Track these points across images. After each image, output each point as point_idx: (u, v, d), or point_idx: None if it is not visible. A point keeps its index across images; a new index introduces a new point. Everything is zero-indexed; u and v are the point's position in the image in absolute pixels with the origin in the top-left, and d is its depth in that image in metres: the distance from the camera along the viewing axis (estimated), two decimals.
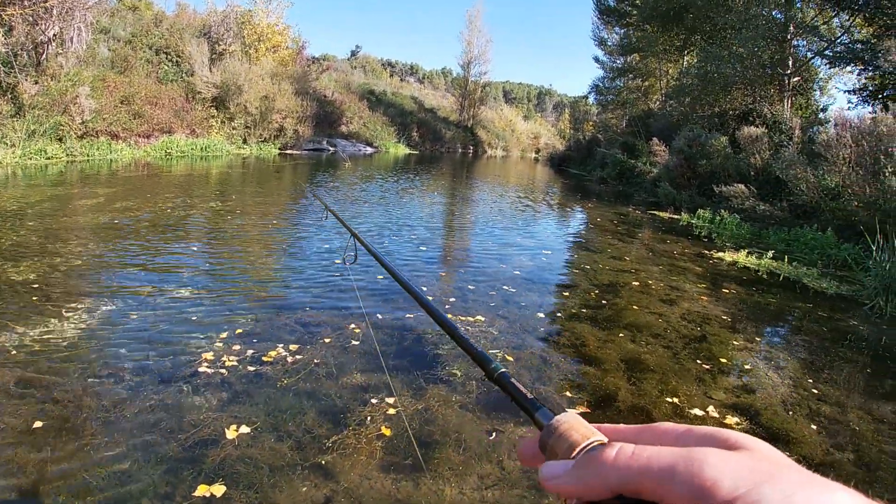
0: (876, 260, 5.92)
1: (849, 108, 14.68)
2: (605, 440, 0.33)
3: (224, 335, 3.65)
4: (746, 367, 3.84)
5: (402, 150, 35.35)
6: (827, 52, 14.78)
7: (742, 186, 10.73)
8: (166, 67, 21.44)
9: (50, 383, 2.90)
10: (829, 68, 16.09)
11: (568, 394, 3.21)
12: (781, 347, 4.46)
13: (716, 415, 3.09)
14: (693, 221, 10.72)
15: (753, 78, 15.32)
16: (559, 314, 4.78)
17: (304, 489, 2.21)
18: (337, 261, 5.22)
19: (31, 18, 14.67)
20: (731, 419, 3.06)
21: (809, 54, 15.80)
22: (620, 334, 4.24)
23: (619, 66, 30.19)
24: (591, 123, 39.13)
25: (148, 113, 18.37)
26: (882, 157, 7.65)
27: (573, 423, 0.35)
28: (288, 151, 24.15)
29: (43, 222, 6.77)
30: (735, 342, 4.32)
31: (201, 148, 20.06)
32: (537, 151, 49.17)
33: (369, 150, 31.71)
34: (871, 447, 2.91)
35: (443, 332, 0.62)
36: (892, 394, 3.61)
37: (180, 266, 5.32)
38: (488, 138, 46.55)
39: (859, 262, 6.81)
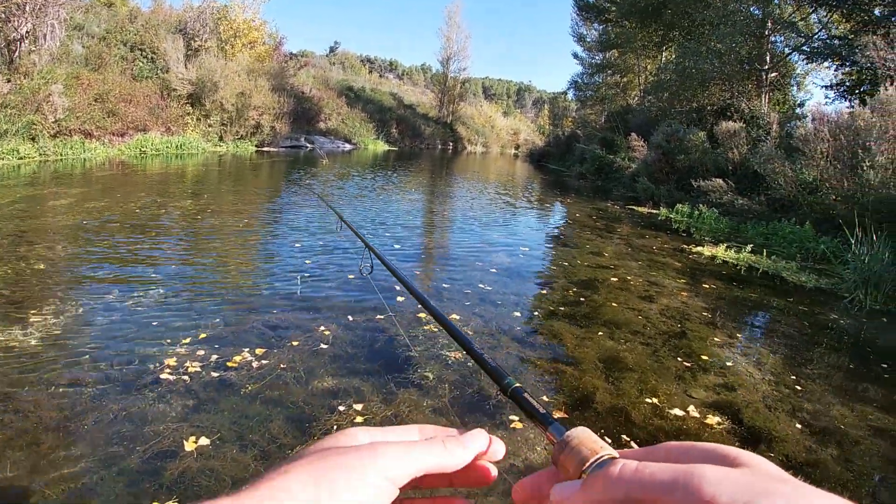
0: (855, 253, 5.91)
1: (826, 104, 14.83)
2: (616, 454, 0.34)
3: (188, 340, 3.47)
4: (727, 363, 3.74)
5: (382, 146, 34.96)
6: (804, 47, 14.93)
7: (720, 181, 10.74)
8: (141, 64, 20.86)
9: (9, 394, 2.75)
10: (807, 64, 16.25)
11: (545, 397, 3.07)
12: (762, 343, 4.39)
13: (696, 415, 2.98)
14: (672, 216, 10.69)
15: (731, 73, 15.41)
16: (536, 312, 4.65)
17: None
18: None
19: (3, 15, 14.17)
20: (713, 419, 2.95)
21: (787, 50, 15.96)
22: (599, 332, 4.11)
23: (598, 62, 30.18)
24: (570, 119, 39.10)
25: (122, 111, 17.82)
26: (860, 151, 7.67)
27: (583, 438, 0.35)
28: (265, 149, 23.66)
29: (12, 224, 6.47)
30: (715, 338, 4.22)
31: (176, 146, 19.56)
32: (517, 147, 48.98)
33: (348, 146, 31.30)
34: (854, 444, 2.83)
35: (445, 335, 0.50)
36: (873, 388, 3.54)
37: (149, 268, 5.08)
38: (468, 134, 46.27)
39: (837, 256, 6.81)
